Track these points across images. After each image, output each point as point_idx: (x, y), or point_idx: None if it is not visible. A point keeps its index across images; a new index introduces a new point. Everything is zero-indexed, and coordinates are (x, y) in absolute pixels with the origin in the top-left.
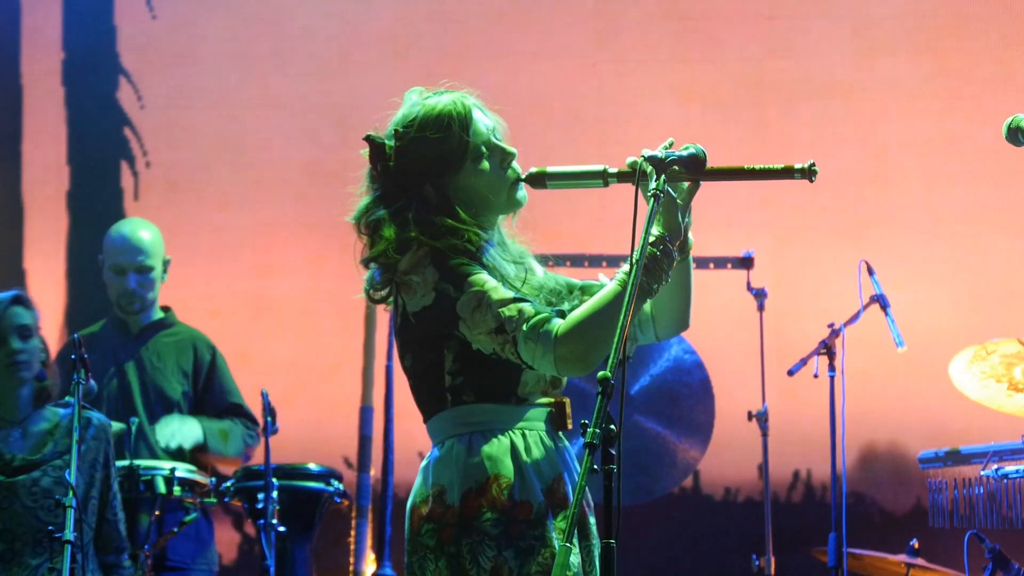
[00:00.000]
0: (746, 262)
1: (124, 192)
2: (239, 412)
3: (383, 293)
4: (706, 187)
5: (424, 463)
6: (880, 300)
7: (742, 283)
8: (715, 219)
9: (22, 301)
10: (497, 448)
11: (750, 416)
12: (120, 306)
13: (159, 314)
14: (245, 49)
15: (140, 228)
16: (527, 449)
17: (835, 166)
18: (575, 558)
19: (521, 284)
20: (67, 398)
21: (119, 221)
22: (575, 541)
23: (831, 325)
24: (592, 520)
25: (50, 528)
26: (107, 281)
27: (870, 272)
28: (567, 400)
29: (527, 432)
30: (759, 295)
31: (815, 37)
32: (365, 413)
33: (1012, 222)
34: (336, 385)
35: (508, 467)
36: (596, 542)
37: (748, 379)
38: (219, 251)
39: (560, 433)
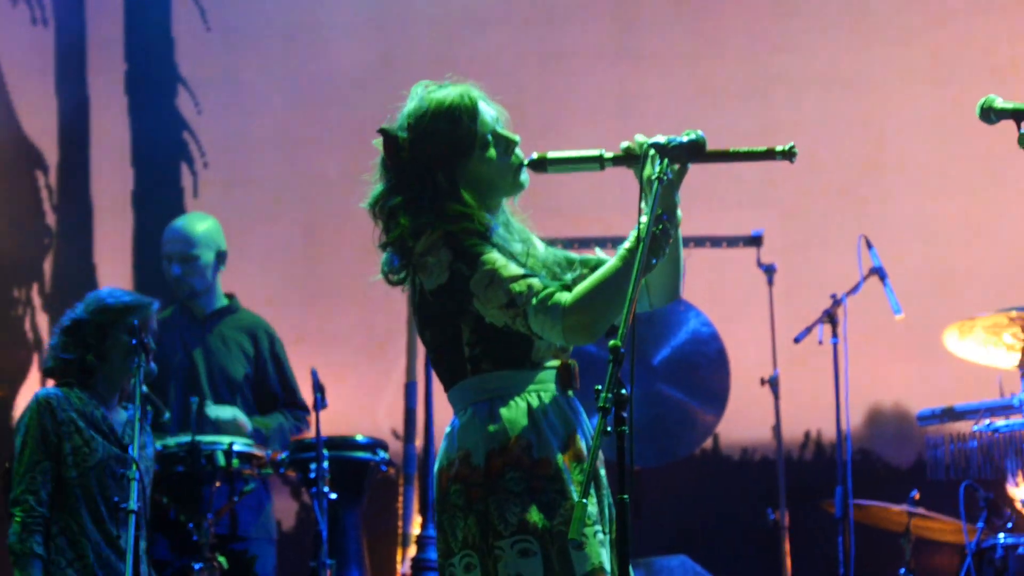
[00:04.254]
0: (756, 240)
1: (184, 191)
2: (292, 400)
3: (400, 276)
4: (718, 172)
5: (448, 430)
6: (879, 272)
7: (752, 260)
8: (727, 201)
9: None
10: (515, 411)
11: (763, 382)
12: (173, 292)
13: (223, 301)
14: (292, 58)
15: (193, 221)
16: (543, 409)
17: (837, 149)
18: (592, 508)
19: (527, 260)
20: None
21: (181, 215)
22: (591, 493)
23: (833, 295)
24: (603, 472)
25: (115, 499)
26: (164, 270)
27: (869, 246)
28: (574, 362)
29: (542, 393)
30: (768, 270)
31: (817, 31)
32: (410, 388)
33: (1000, 199)
34: (383, 363)
35: (526, 427)
36: (607, 492)
37: (760, 348)
38: (273, 242)
39: (570, 392)
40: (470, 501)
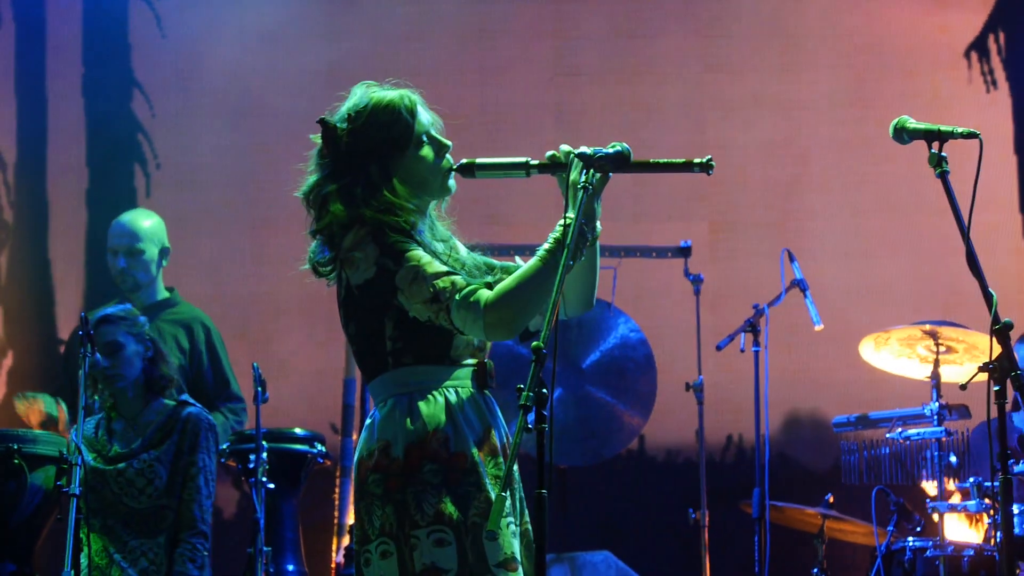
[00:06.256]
0: (684, 251)
1: (137, 191)
2: (227, 392)
3: (328, 268)
4: (650, 186)
5: (368, 421)
6: (800, 284)
7: (680, 270)
8: (656, 213)
9: (108, 320)
10: (434, 406)
11: (688, 387)
12: (117, 284)
13: (164, 294)
14: (242, 65)
15: (138, 217)
16: (460, 405)
17: (764, 167)
18: (508, 503)
19: (449, 260)
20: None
21: (127, 211)
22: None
23: (755, 306)
24: (515, 467)
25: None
26: (108, 265)
27: (792, 259)
28: (490, 362)
29: (459, 389)
30: (696, 280)
31: (746, 54)
32: (348, 384)
33: (917, 218)
34: (323, 360)
35: (444, 422)
36: (519, 487)
37: (686, 354)
38: (221, 241)
39: (485, 390)
40: (388, 491)
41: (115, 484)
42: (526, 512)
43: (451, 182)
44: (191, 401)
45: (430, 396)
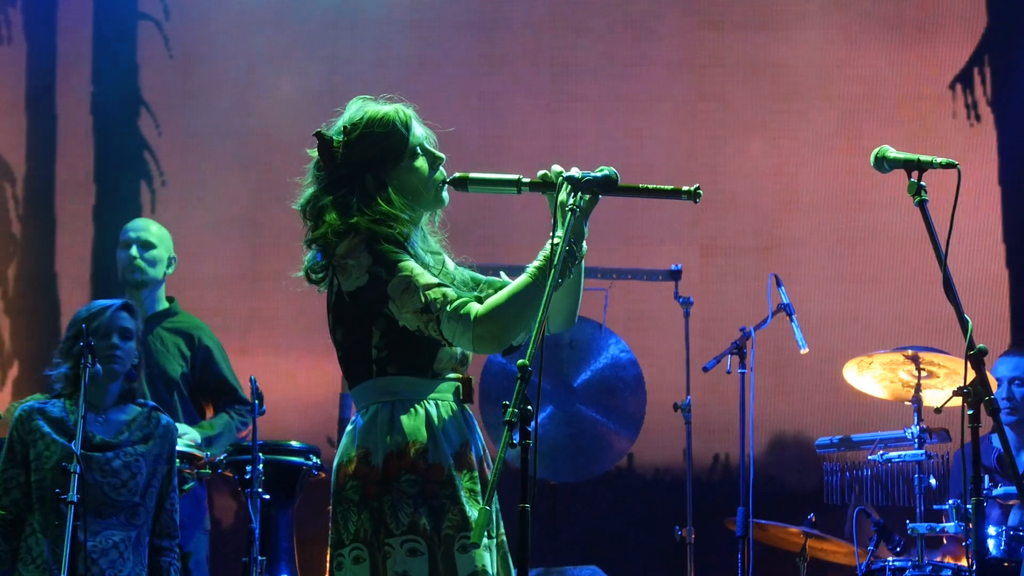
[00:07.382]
0: (675, 274)
1: (143, 206)
2: (233, 397)
3: (320, 275)
4: (640, 209)
5: (350, 427)
6: (786, 308)
7: (671, 293)
8: (648, 237)
9: (129, 308)
10: (415, 417)
11: (676, 407)
12: (125, 280)
13: (164, 304)
14: (246, 87)
15: (151, 221)
16: (439, 418)
17: (753, 193)
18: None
19: (439, 272)
20: (141, 399)
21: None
22: (478, 500)
23: (742, 328)
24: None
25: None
26: (118, 261)
27: (779, 284)
28: (472, 377)
29: (440, 402)
30: (685, 303)
31: (738, 83)
32: (344, 399)
33: (901, 245)
34: (320, 375)
35: (423, 434)
36: (495, 499)
37: (675, 375)
38: (223, 258)
39: (465, 404)
40: (365, 498)
41: (99, 472)
42: (501, 524)
43: (444, 194)
44: (160, 408)
45: (412, 408)
